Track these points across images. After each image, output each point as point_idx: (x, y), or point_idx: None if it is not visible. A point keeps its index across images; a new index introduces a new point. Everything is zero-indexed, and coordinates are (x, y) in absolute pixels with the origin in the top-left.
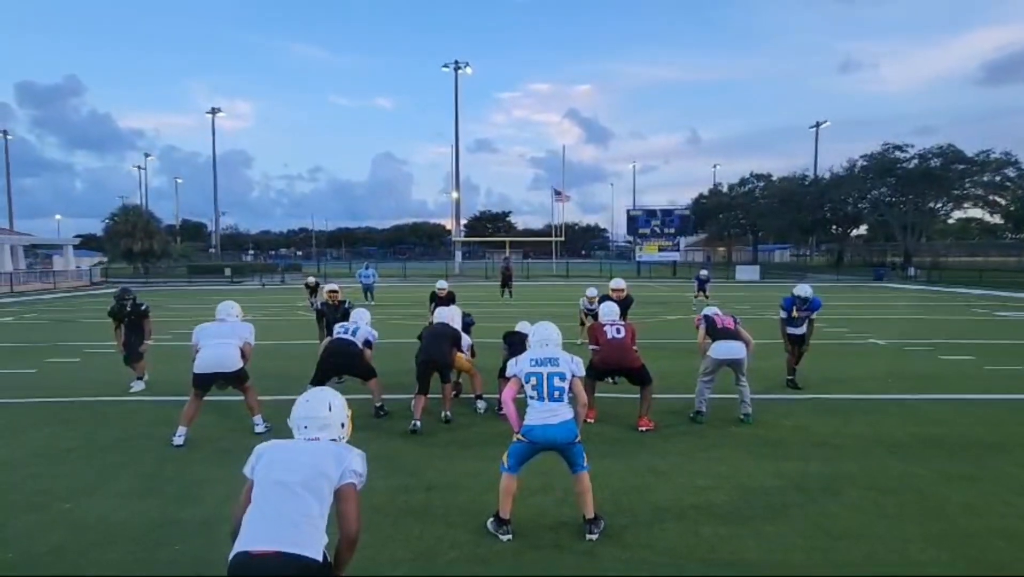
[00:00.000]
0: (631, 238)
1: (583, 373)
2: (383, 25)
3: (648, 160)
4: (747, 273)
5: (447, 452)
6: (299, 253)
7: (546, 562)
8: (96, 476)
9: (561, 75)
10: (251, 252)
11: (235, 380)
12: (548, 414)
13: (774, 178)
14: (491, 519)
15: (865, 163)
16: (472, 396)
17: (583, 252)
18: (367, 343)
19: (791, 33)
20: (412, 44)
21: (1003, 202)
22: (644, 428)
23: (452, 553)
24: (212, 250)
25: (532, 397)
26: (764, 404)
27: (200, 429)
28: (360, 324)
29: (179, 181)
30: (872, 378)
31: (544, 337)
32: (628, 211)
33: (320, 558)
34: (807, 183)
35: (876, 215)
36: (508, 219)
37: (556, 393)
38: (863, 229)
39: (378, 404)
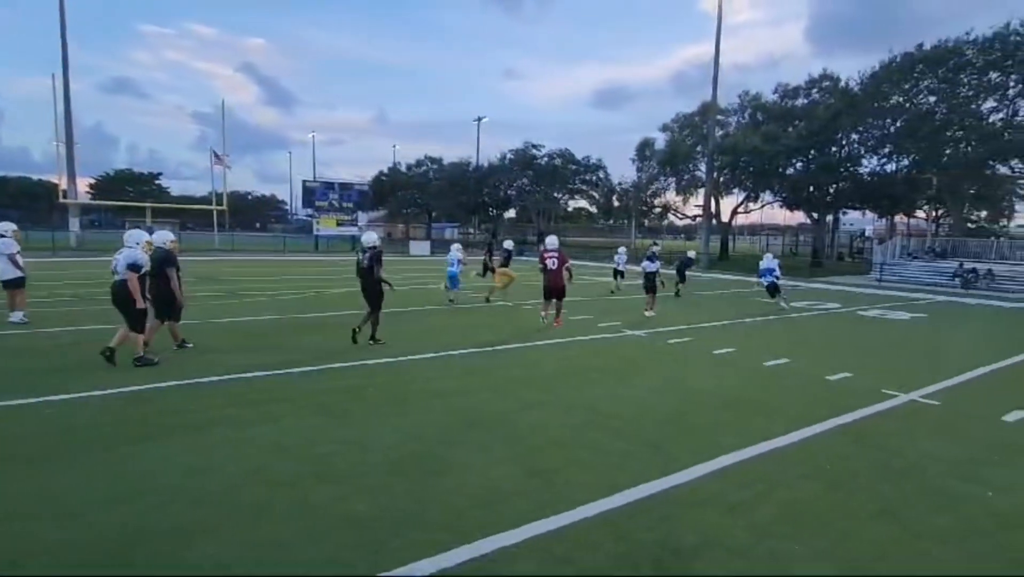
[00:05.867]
0: (310, 211)
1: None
2: None
3: (336, 133)
4: (419, 248)
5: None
6: None
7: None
8: None
9: (229, 21)
10: None
11: None
12: (764, 274)
13: (445, 162)
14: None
15: (512, 156)
16: None
17: (258, 225)
18: (131, 267)
19: (471, 34)
20: None
21: (596, 196)
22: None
23: None
24: None
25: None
26: (386, 366)
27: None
28: (118, 257)
29: None
30: (498, 334)
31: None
32: (304, 182)
33: None
34: (470, 169)
35: (520, 201)
36: (158, 182)
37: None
38: (512, 212)
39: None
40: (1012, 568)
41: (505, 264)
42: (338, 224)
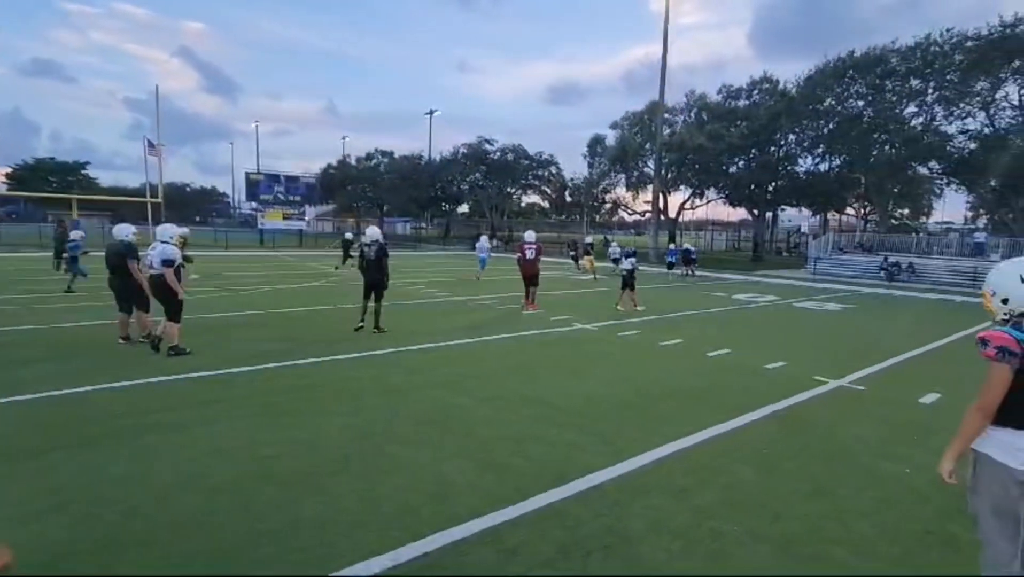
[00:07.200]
0: (255, 205)
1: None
2: None
3: (283, 124)
4: None
5: None
6: None
7: None
8: None
9: (163, 2)
10: None
11: None
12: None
13: (397, 156)
14: None
15: (465, 151)
16: None
17: (197, 219)
18: (165, 263)
19: (424, 26)
20: None
21: (548, 191)
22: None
23: None
24: None
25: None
26: (338, 363)
27: None
28: (151, 252)
29: None
30: (450, 329)
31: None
32: (247, 174)
33: None
34: (423, 164)
35: (472, 196)
36: (85, 172)
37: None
38: (465, 207)
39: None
40: (920, 536)
41: (587, 253)
42: (284, 218)
